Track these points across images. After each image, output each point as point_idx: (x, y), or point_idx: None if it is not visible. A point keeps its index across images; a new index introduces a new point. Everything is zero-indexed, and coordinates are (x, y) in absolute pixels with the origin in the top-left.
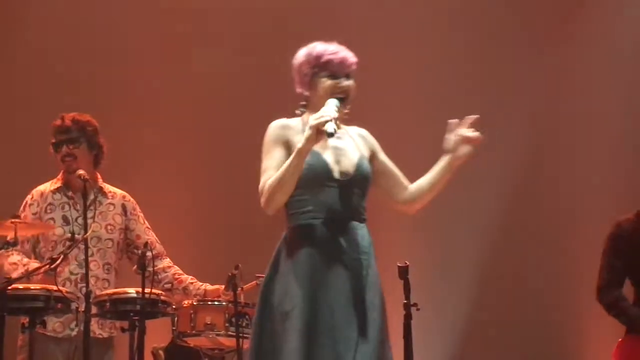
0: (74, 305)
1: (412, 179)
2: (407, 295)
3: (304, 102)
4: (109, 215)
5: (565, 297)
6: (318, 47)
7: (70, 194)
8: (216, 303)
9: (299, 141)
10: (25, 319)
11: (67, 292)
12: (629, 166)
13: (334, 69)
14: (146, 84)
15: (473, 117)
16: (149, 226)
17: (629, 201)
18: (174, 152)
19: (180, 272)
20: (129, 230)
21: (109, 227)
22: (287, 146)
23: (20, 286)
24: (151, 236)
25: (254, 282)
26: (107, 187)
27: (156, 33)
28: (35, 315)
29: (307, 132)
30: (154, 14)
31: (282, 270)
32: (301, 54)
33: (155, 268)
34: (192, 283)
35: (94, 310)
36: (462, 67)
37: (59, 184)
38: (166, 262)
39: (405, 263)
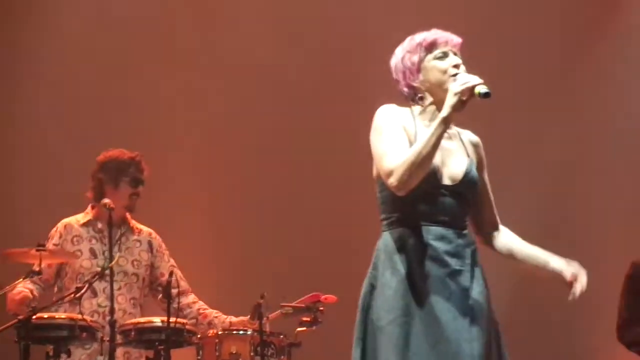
0: (98, 335)
1: None
2: None
3: (420, 95)
4: (136, 251)
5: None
6: (417, 36)
7: (99, 227)
8: (241, 332)
9: (411, 131)
10: (50, 348)
11: (91, 321)
12: None
13: (440, 47)
14: (171, 119)
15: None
16: (175, 264)
17: None
18: (198, 184)
19: (205, 306)
20: (154, 268)
21: (135, 263)
22: (404, 129)
23: (45, 315)
24: (176, 273)
25: (279, 311)
26: (135, 224)
27: (181, 84)
28: (59, 345)
29: (451, 99)
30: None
31: (380, 282)
32: (399, 50)
33: (181, 304)
34: (216, 317)
35: (119, 339)
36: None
37: (89, 217)
38: (191, 298)
39: None
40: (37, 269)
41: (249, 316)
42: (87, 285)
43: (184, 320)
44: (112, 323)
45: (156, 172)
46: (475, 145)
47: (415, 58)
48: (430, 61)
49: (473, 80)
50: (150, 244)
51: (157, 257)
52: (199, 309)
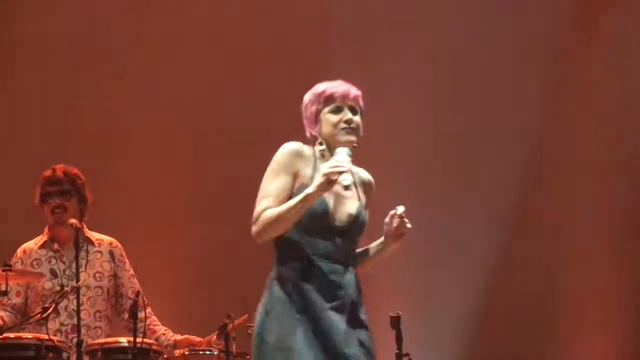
0: (65, 355)
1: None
2: (399, 346)
3: (319, 141)
4: (97, 263)
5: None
6: (321, 85)
7: (55, 247)
8: (207, 352)
9: (307, 174)
10: None
11: (58, 341)
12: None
13: (336, 102)
14: (136, 132)
15: (401, 208)
16: (134, 274)
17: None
18: (165, 200)
19: (157, 322)
20: (116, 277)
21: (97, 275)
22: (295, 176)
23: (12, 335)
24: (135, 284)
25: (245, 316)
26: (94, 235)
27: (145, 87)
28: None
29: (320, 179)
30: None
31: (277, 309)
32: (306, 96)
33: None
34: (164, 334)
35: (85, 359)
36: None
37: (44, 239)
38: (146, 312)
39: (398, 313)
40: (3, 288)
41: (215, 336)
42: (53, 305)
43: (150, 341)
44: (79, 344)
45: (114, 179)
46: (365, 185)
47: (314, 108)
48: (325, 114)
49: (341, 166)
50: (111, 253)
51: (118, 266)
52: (149, 324)
